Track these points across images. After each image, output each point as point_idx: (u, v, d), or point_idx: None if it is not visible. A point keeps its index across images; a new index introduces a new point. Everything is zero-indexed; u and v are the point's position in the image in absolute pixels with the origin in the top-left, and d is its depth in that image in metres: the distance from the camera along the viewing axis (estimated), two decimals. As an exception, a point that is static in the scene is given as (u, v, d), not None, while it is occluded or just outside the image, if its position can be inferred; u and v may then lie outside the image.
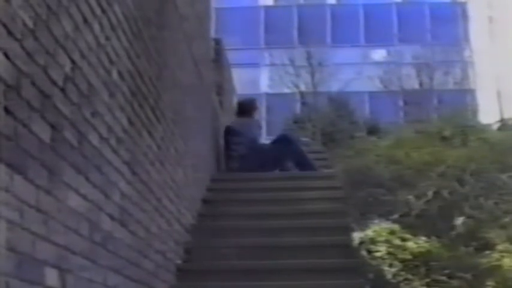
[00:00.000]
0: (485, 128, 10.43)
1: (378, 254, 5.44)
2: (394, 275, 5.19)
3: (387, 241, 5.56)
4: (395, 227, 5.81)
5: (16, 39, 2.20)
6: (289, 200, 6.48)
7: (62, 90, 2.63)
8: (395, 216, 5.99)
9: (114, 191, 3.38)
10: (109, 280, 3.24)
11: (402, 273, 5.22)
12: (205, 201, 6.47)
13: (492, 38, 21.20)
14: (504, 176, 6.66)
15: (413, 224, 5.86)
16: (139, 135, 3.95)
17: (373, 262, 5.32)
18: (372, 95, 24.48)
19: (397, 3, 27.87)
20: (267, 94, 25.52)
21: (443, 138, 8.56)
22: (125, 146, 3.58)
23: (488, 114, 17.26)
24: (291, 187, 6.84)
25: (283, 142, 7.91)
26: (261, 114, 16.63)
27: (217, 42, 9.14)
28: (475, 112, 18.11)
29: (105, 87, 3.23)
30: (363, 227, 5.77)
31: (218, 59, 8.89)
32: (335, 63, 22.82)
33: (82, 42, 2.87)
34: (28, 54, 2.30)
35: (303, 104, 22.36)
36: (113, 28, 3.37)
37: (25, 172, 2.28)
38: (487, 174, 6.76)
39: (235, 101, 10.53)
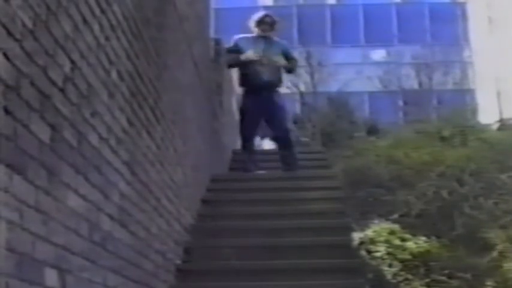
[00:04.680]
0: (485, 128, 10.44)
1: (377, 254, 5.43)
2: (394, 275, 5.19)
3: (387, 241, 5.56)
4: (395, 227, 5.81)
5: (15, 40, 2.20)
6: (288, 200, 6.48)
7: (62, 90, 2.63)
8: (395, 216, 5.98)
9: (114, 191, 3.38)
10: (109, 280, 3.24)
11: (402, 273, 5.21)
12: (204, 202, 6.48)
13: (492, 38, 21.19)
14: (504, 176, 6.66)
15: (413, 224, 5.86)
16: (139, 136, 3.95)
17: (373, 262, 5.32)
18: (372, 95, 24.49)
19: (396, 4, 27.89)
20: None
21: (443, 138, 8.57)
22: (125, 146, 3.58)
23: (487, 114, 17.26)
24: (290, 187, 6.85)
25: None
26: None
27: (217, 42, 9.14)
28: (474, 112, 18.09)
29: (105, 88, 3.23)
30: (363, 227, 5.77)
31: (218, 59, 8.89)
32: (335, 63, 22.82)
33: (81, 42, 2.87)
34: (27, 54, 2.30)
35: (303, 104, 22.35)
36: (112, 28, 3.37)
37: (24, 172, 2.28)
38: (487, 174, 6.77)
39: (234, 101, 10.55)
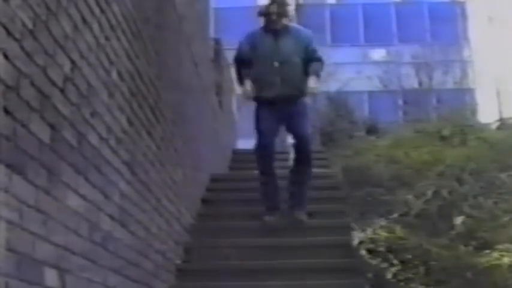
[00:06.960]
0: (485, 127, 10.42)
1: (377, 254, 5.43)
2: (394, 275, 5.18)
3: (386, 240, 5.56)
4: (395, 226, 5.80)
5: (15, 40, 2.20)
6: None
7: (62, 90, 2.63)
8: (395, 215, 5.97)
9: (114, 191, 3.38)
10: (109, 280, 3.24)
11: (402, 272, 5.21)
12: (204, 201, 6.48)
13: (491, 38, 21.19)
14: (503, 175, 6.65)
15: (412, 224, 5.86)
16: (139, 136, 3.95)
17: (373, 262, 5.31)
18: (371, 94, 24.46)
19: (396, 3, 27.85)
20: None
21: (443, 138, 8.56)
22: (124, 146, 3.58)
23: (487, 114, 17.25)
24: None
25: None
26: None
27: (217, 42, 9.16)
28: (474, 111, 18.06)
29: (105, 88, 3.23)
30: (363, 226, 5.76)
31: (217, 59, 8.90)
32: (334, 62, 22.79)
33: (81, 42, 2.87)
34: (27, 54, 2.30)
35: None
36: (112, 28, 3.37)
37: (24, 172, 2.28)
38: (486, 174, 6.76)
39: (234, 101, 10.55)
